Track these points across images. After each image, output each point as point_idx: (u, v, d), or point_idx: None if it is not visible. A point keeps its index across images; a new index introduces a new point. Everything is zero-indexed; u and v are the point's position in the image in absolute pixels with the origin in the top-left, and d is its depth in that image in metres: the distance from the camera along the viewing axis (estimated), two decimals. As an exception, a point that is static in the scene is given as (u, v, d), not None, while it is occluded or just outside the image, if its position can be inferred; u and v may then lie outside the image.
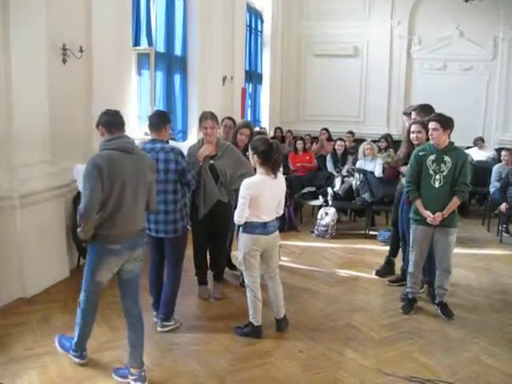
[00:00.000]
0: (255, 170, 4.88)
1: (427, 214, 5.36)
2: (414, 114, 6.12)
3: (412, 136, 5.88)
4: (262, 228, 4.81)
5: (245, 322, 5.02)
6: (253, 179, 4.79)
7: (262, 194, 4.73)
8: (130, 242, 4.04)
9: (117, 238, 3.94)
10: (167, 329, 5.07)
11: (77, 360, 4.39)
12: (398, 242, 6.55)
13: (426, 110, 6.00)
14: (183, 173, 4.89)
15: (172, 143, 5.75)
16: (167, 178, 4.83)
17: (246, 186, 4.72)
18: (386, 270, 6.75)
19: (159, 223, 4.91)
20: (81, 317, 4.27)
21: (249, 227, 4.81)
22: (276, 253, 5.12)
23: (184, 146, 6.23)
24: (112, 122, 4.05)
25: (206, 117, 5.49)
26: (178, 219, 4.95)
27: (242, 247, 4.89)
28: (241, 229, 4.90)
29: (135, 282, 4.23)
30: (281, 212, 5.05)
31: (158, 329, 5.07)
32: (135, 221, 4.05)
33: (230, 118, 6.72)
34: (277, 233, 5.01)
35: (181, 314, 5.27)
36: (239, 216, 4.74)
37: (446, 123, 5.30)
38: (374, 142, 10.28)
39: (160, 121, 4.92)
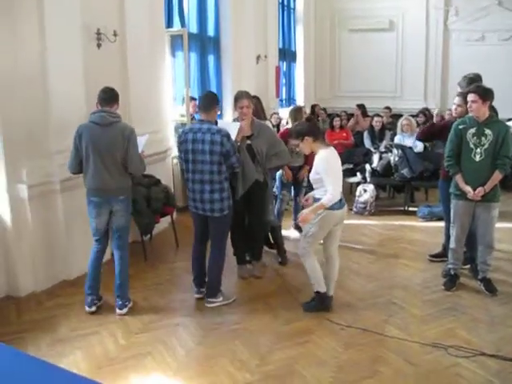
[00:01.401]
0: (307, 156, 4.80)
1: (468, 189, 5.25)
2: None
3: (453, 107, 5.76)
4: (338, 203, 4.76)
5: (308, 298, 5.09)
6: (325, 153, 4.76)
7: (334, 167, 4.76)
8: (106, 197, 4.83)
9: (93, 192, 4.85)
10: (213, 305, 5.19)
11: (86, 308, 4.99)
12: None
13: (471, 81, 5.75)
14: (227, 155, 4.89)
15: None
16: (212, 160, 4.86)
17: (326, 160, 4.71)
18: None
19: (205, 202, 4.98)
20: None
21: None
22: (341, 229, 5.08)
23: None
24: (102, 98, 4.84)
25: (242, 96, 5.51)
26: (224, 198, 5.01)
27: (319, 223, 4.77)
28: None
29: (122, 231, 5.03)
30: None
31: (206, 304, 5.20)
32: (107, 179, 4.78)
33: None
34: (346, 206, 4.99)
35: (221, 293, 5.32)
36: (335, 194, 4.63)
37: (486, 95, 5.13)
38: (412, 116, 10.11)
39: (210, 102, 5.06)
